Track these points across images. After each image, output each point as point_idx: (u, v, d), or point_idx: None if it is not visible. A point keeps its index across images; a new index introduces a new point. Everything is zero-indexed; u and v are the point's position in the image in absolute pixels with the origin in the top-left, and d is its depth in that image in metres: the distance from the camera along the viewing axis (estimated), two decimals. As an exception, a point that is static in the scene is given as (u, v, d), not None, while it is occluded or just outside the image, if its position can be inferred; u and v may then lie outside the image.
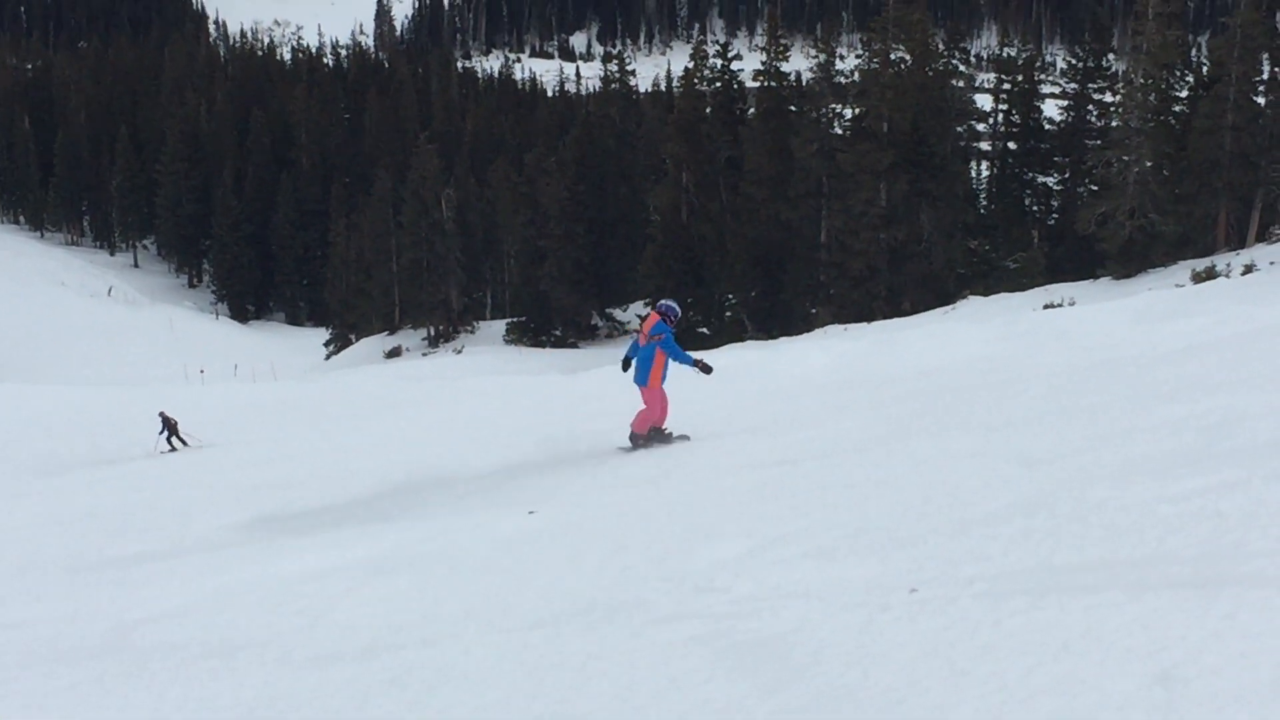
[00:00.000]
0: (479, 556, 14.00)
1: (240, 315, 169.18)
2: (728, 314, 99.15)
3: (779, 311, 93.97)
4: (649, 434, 23.41)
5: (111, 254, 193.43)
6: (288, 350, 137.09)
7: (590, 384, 47.96)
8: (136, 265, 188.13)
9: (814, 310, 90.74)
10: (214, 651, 11.35)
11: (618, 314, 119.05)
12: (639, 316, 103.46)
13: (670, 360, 23.20)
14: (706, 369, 23.19)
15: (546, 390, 45.36)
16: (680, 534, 12.94)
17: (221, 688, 10.11)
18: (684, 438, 23.45)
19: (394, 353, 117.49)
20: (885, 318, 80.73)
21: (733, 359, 45.41)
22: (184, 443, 50.55)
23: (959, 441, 16.39)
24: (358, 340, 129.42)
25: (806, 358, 42.44)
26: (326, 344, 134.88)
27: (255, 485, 28.74)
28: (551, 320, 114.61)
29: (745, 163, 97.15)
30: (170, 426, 50.79)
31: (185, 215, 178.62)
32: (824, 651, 8.09)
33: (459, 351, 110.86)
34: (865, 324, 76.46)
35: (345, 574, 13.95)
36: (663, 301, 23.90)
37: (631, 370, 23.66)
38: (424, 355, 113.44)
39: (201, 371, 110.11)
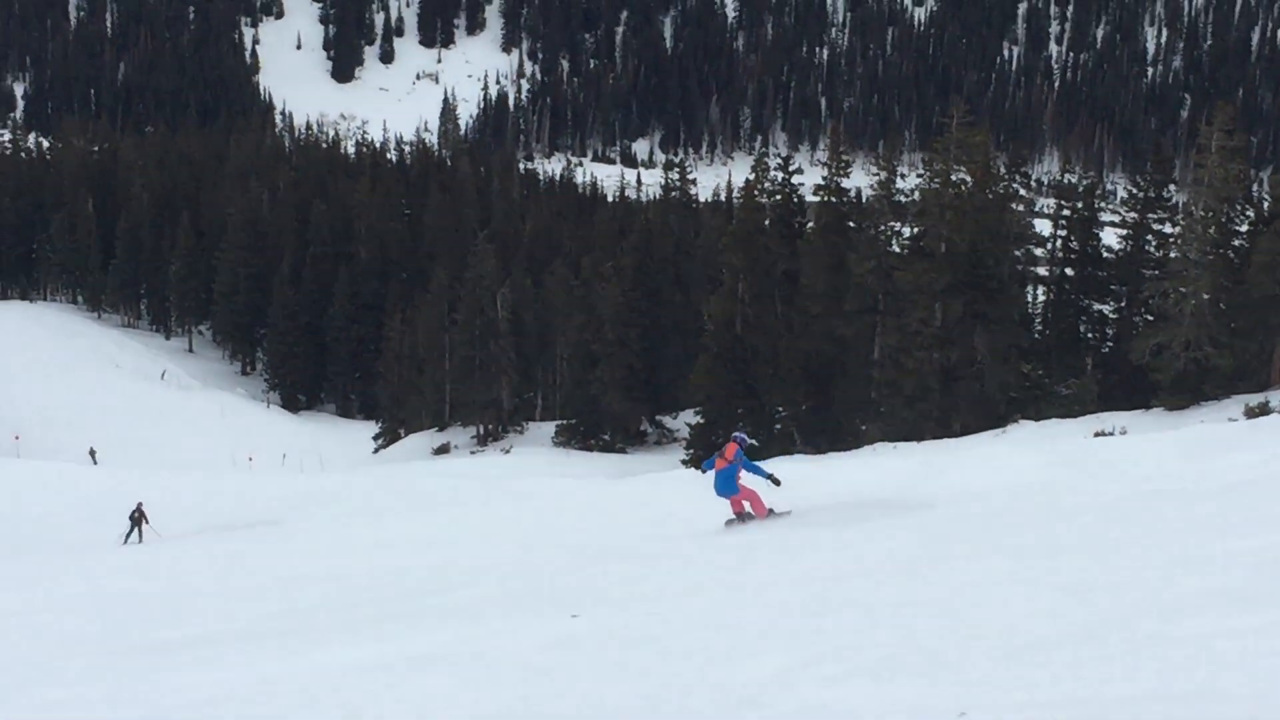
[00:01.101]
0: (521, 659, 13.92)
1: (291, 405, 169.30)
2: (777, 426, 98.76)
3: (829, 427, 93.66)
4: (768, 515, 29.44)
5: (167, 338, 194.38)
6: (337, 442, 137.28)
7: (640, 490, 47.86)
8: (191, 350, 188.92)
9: (864, 427, 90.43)
10: (252, 743, 11.30)
11: (668, 421, 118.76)
12: (688, 425, 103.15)
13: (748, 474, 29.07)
14: (777, 482, 29.15)
15: (595, 494, 45.29)
16: (726, 645, 12.85)
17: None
18: (786, 513, 29.53)
19: (442, 449, 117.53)
20: (936, 438, 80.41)
21: (782, 472, 45.32)
22: (140, 538, 50.52)
23: (1007, 566, 16.29)
24: (407, 435, 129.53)
25: (855, 474, 42.30)
26: (375, 437, 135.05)
27: (298, 576, 28.73)
28: (601, 425, 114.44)
29: (802, 276, 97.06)
30: (135, 519, 50.84)
31: (242, 303, 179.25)
32: (872, 773, 8.01)
33: (507, 451, 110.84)
34: (915, 443, 76.14)
35: (386, 671, 13.89)
36: (737, 433, 29.89)
37: (712, 481, 29.68)
38: (472, 453, 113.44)
39: (250, 459, 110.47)
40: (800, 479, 38.80)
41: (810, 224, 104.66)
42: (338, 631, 18.20)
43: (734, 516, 29.89)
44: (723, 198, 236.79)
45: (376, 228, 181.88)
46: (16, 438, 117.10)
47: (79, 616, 24.45)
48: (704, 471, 30.74)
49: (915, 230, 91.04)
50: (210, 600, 25.11)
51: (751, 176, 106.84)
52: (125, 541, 49.99)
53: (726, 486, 29.39)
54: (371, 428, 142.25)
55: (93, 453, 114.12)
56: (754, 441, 29.07)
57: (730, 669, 11.47)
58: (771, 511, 29.69)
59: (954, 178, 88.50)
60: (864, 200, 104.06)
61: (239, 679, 14.56)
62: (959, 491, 32.56)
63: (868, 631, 12.47)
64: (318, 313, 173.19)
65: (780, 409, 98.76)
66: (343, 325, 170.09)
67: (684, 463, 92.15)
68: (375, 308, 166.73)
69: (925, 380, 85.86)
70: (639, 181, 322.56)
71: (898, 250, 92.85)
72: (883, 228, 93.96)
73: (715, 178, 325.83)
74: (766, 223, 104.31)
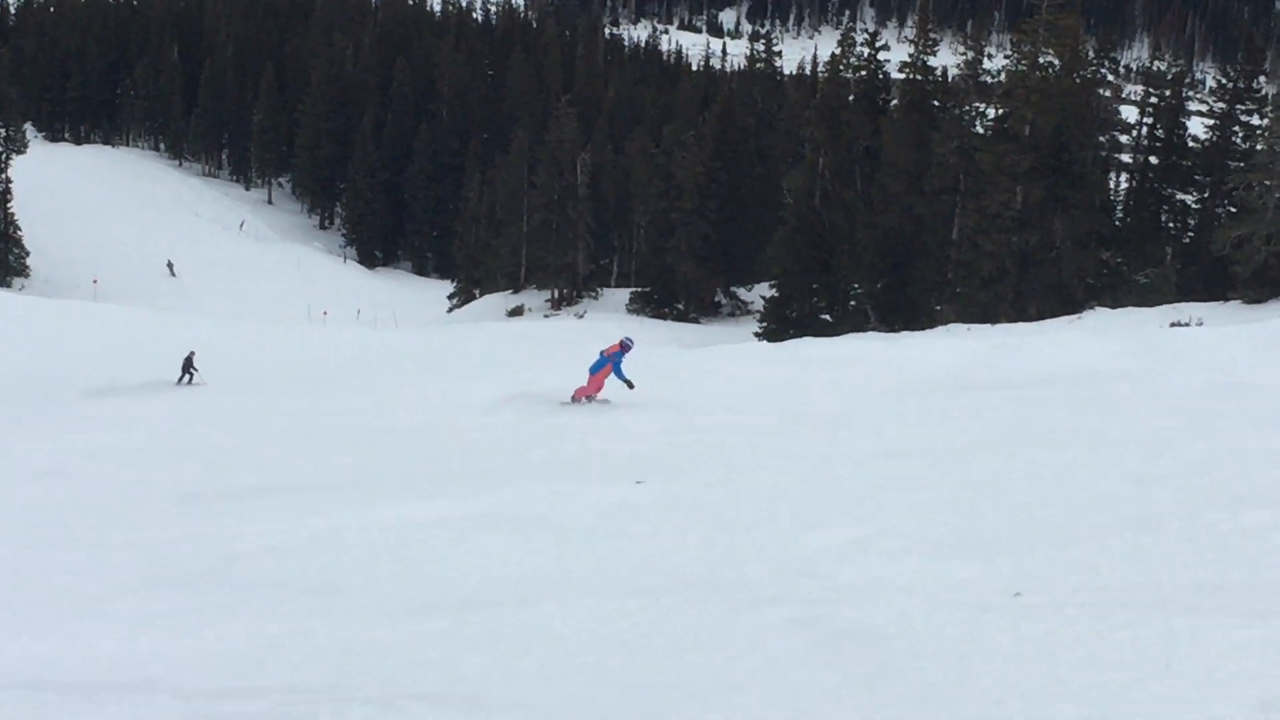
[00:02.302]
0: (583, 522, 13.97)
1: (368, 261, 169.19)
2: (852, 303, 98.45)
3: (903, 306, 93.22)
4: (580, 400, 32.75)
5: (247, 188, 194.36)
6: (411, 300, 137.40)
7: (712, 362, 47.78)
8: (270, 202, 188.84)
9: (939, 307, 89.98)
10: (313, 591, 11.40)
11: (742, 293, 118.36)
12: (762, 298, 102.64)
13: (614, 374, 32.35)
14: (630, 386, 32.04)
15: (669, 364, 45.21)
16: (787, 518, 12.87)
17: (317, 625, 10.13)
18: (605, 400, 32.53)
19: (516, 311, 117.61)
20: (1010, 321, 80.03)
21: (854, 348, 45.11)
22: (191, 379, 51.00)
23: (1073, 453, 16.20)
24: (481, 296, 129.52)
25: (928, 353, 42.11)
26: (450, 297, 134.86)
27: (364, 430, 28.86)
28: (675, 294, 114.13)
29: (883, 153, 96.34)
30: (188, 361, 51.30)
31: (322, 157, 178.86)
32: (923, 648, 8.01)
33: (581, 316, 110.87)
34: (989, 325, 75.77)
35: (448, 527, 13.96)
36: (626, 338, 33.92)
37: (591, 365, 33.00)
38: (546, 317, 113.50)
39: (325, 314, 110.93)
40: (872, 356, 38.71)
41: (894, 101, 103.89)
42: (401, 488, 18.30)
43: (578, 399, 33.21)
44: (807, 71, 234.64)
45: (459, 88, 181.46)
46: (95, 281, 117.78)
47: (151, 462, 24.64)
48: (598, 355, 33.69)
49: (999, 112, 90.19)
50: (278, 452, 25.27)
51: (837, 51, 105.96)
52: (179, 383, 50.45)
53: (594, 368, 32.79)
54: (446, 286, 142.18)
55: (170, 265, 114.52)
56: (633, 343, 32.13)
57: (789, 541, 11.49)
58: (590, 399, 33.01)
59: (1041, 60, 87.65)
60: (949, 80, 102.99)
61: (303, 529, 14.66)
62: (1030, 375, 32.38)
63: (928, 511, 12.46)
64: (397, 170, 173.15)
65: (856, 286, 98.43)
66: (422, 184, 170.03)
67: (757, 335, 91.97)
68: (455, 167, 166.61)
69: (1002, 263, 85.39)
70: (724, 51, 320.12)
71: (981, 131, 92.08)
72: (967, 108, 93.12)
73: (801, 51, 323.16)
74: (850, 98, 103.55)
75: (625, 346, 33.27)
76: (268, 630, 10.08)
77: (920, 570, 9.84)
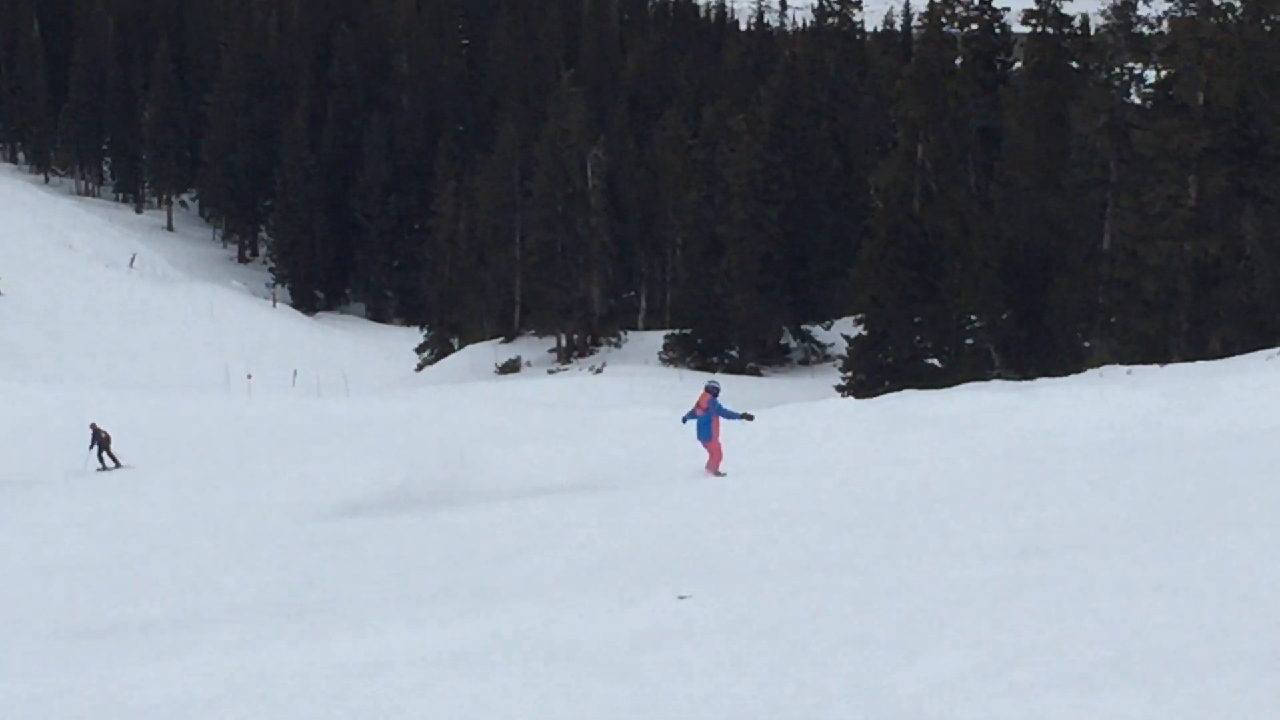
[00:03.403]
0: (606, 653, 13.96)
1: (306, 304, 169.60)
2: (968, 341, 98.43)
3: (1039, 343, 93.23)
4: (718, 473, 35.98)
5: (138, 211, 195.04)
6: (367, 355, 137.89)
7: (780, 425, 47.74)
8: (170, 228, 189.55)
9: (1087, 344, 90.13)
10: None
11: (818, 333, 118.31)
12: (845, 338, 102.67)
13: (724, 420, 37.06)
14: (749, 418, 37.99)
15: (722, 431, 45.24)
16: (883, 641, 12.86)
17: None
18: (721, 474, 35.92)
19: (510, 366, 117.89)
20: (1186, 359, 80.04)
21: (972, 403, 45.19)
22: (116, 463, 51.57)
23: (1276, 538, 16.19)
24: (462, 347, 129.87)
25: (1074, 408, 42.14)
26: (420, 349, 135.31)
27: (301, 537, 28.93)
28: (727, 336, 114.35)
29: (1005, 136, 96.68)
30: (102, 441, 51.76)
31: (240, 165, 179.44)
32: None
33: (598, 370, 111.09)
34: (1158, 366, 75.86)
35: (419, 666, 13.96)
36: (711, 383, 38.82)
37: (693, 428, 37.43)
38: (550, 373, 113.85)
39: (249, 377, 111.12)
40: (997, 413, 38.81)
41: (1017, 64, 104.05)
42: (353, 611, 18.33)
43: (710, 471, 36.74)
44: (897, 26, 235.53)
45: (423, 64, 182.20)
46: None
47: (22, 588, 24.72)
48: (684, 423, 38.52)
49: (1162, 75, 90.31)
50: (185, 569, 25.34)
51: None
52: (97, 468, 51.24)
53: (703, 433, 36.96)
54: (415, 335, 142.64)
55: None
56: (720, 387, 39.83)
57: (886, 675, 11.49)
58: (720, 473, 36.34)
59: (1217, 2, 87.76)
60: (1092, 32, 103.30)
61: (227, 674, 14.67)
62: (1215, 433, 32.39)
63: (1076, 625, 12.44)
64: (342, 179, 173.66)
65: (973, 317, 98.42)
66: (376, 197, 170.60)
67: (840, 389, 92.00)
68: (420, 173, 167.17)
69: (1173, 280, 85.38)
70: (783, 3, 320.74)
71: (1138, 102, 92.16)
72: (1118, 70, 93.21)
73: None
74: (957, 61, 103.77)
75: (713, 391, 37.56)
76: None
77: (1066, 710, 9.83)
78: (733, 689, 11.80)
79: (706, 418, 36.48)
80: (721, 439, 36.62)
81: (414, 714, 12.20)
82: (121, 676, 15.09)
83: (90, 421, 53.17)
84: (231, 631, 17.74)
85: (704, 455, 37.06)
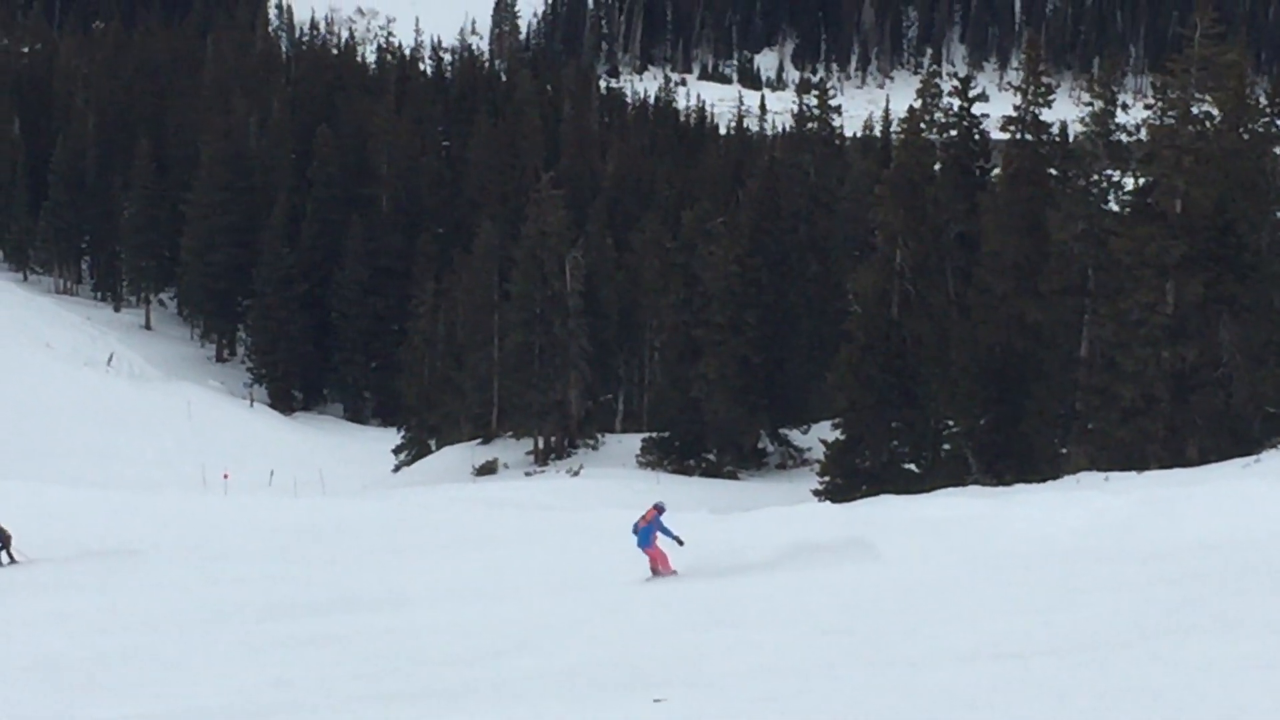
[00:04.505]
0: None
1: (283, 404, 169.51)
2: (946, 446, 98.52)
3: (1016, 448, 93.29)
4: (672, 573, 39.68)
5: (116, 309, 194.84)
6: (344, 456, 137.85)
7: (748, 531, 47.75)
8: (149, 327, 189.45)
9: (1064, 450, 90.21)
10: None
11: (795, 437, 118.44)
12: (823, 443, 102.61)
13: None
14: (680, 542, 39.92)
15: (695, 534, 45.24)
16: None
17: None
18: (674, 573, 39.55)
19: (487, 469, 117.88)
20: (1163, 466, 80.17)
21: (949, 508, 45.28)
22: (13, 560, 51.53)
23: (1255, 646, 16.28)
24: (439, 449, 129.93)
25: (1051, 515, 42.24)
26: (397, 450, 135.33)
27: (275, 634, 28.94)
28: (704, 439, 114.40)
29: (983, 242, 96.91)
30: (3, 540, 51.73)
31: (219, 264, 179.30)
32: None
33: (575, 473, 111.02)
34: (1135, 473, 75.96)
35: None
36: (659, 501, 42.52)
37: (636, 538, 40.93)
38: (527, 475, 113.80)
39: (226, 476, 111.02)
40: (974, 519, 38.90)
41: (996, 170, 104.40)
42: (333, 714, 18.37)
43: (651, 573, 40.64)
44: (877, 132, 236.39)
45: (403, 165, 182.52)
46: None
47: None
48: (633, 531, 41.31)
49: (1141, 182, 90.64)
50: (154, 666, 25.32)
51: (917, 104, 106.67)
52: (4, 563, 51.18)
53: (643, 540, 40.69)
54: (392, 436, 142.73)
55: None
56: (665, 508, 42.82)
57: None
58: (674, 572, 40.16)
59: (1195, 110, 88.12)
60: (1071, 139, 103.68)
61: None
62: (1192, 541, 32.49)
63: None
64: (321, 279, 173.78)
65: (950, 422, 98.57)
66: (355, 297, 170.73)
67: (817, 493, 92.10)
68: (399, 274, 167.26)
69: (1149, 387, 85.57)
70: (763, 108, 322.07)
71: (1116, 209, 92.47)
72: (1096, 178, 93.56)
73: (867, 104, 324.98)
74: (936, 167, 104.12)
75: (659, 509, 41.14)
76: None
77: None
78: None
79: (648, 529, 40.15)
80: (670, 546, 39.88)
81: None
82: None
83: None
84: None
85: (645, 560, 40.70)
